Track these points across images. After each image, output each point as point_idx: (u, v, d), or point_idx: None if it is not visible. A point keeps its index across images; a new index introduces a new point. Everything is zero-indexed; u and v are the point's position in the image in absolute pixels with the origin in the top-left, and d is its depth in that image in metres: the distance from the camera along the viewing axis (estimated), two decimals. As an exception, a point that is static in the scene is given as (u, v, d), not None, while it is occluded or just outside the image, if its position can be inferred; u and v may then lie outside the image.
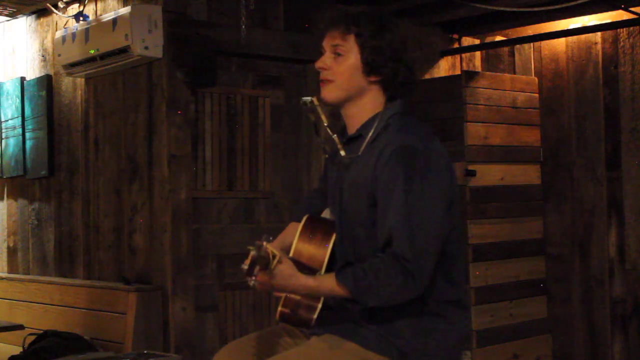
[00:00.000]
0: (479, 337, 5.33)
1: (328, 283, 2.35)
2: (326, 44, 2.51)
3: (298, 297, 2.50)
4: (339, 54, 2.47)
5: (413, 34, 5.84)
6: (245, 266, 2.23)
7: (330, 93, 2.50)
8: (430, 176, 2.34)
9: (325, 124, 2.54)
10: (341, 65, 2.47)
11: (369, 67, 2.44)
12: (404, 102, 2.52)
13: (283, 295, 2.52)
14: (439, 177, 2.37)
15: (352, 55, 2.46)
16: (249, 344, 2.60)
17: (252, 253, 2.18)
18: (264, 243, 2.22)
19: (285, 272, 2.31)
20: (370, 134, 2.46)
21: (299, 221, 2.62)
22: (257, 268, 2.17)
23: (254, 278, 2.17)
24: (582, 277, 5.60)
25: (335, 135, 2.54)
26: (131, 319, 4.56)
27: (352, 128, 2.53)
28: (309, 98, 2.56)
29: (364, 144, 2.46)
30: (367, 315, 2.41)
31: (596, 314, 5.52)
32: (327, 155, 2.71)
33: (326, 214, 2.71)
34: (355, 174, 2.46)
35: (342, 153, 2.50)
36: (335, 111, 2.59)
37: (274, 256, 2.29)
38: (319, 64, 2.51)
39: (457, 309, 2.47)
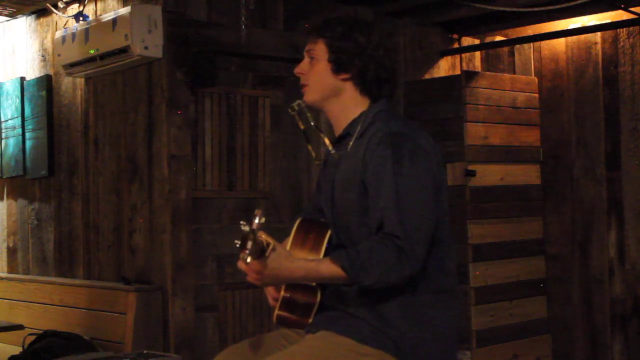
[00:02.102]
0: (479, 337, 5.33)
1: (322, 263, 2.40)
2: (305, 50, 2.64)
3: (294, 298, 2.53)
4: (312, 58, 2.60)
5: (412, 34, 5.84)
6: (237, 242, 2.25)
7: (307, 96, 2.61)
8: (418, 159, 2.41)
9: (313, 123, 2.64)
10: (313, 69, 2.59)
11: (336, 65, 2.55)
12: (388, 101, 2.60)
13: (279, 296, 2.56)
14: (426, 160, 2.44)
15: (322, 58, 2.57)
16: (245, 349, 2.63)
17: (244, 228, 2.19)
18: (258, 230, 2.22)
19: (280, 255, 2.36)
20: (357, 130, 2.53)
21: None
22: (249, 243, 2.19)
23: (247, 251, 2.19)
24: (582, 277, 5.60)
25: (324, 135, 2.62)
26: (131, 319, 4.56)
27: (339, 128, 2.61)
28: (296, 102, 2.64)
29: (352, 140, 2.53)
30: (361, 304, 2.44)
31: (596, 314, 5.52)
32: (318, 162, 2.78)
33: None
34: (345, 167, 2.52)
35: (332, 150, 2.59)
36: (324, 116, 2.67)
37: (268, 244, 2.32)
38: (296, 70, 2.64)
39: (451, 299, 2.51)
